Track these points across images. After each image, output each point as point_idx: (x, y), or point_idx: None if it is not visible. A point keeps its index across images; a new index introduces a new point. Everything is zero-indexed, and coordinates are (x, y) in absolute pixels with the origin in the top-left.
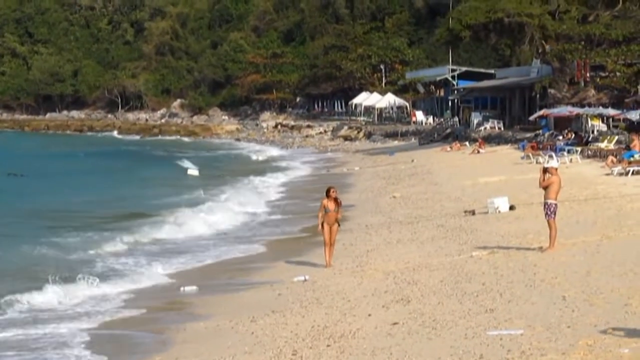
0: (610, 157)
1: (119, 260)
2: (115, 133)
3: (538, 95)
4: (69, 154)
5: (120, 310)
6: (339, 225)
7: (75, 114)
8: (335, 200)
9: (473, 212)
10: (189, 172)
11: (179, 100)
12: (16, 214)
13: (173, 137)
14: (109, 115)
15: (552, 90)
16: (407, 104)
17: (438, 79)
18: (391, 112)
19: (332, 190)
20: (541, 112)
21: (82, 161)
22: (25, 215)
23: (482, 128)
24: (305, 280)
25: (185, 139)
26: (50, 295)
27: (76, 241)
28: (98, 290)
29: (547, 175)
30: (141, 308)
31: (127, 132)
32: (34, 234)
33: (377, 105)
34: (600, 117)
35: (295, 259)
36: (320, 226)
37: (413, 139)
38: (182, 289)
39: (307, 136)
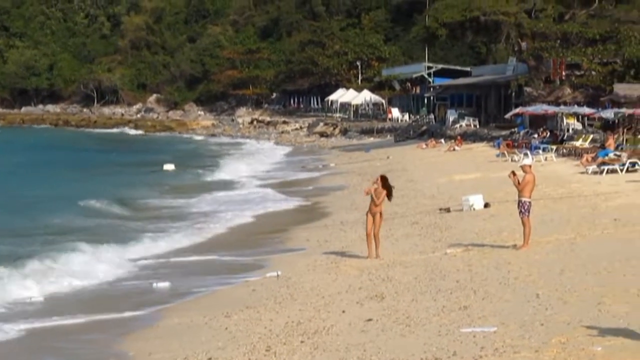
0: (586, 156)
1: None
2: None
3: (514, 93)
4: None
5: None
6: (381, 216)
7: (50, 108)
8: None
9: (448, 210)
10: (165, 167)
11: (155, 95)
12: None
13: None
14: (85, 110)
15: (527, 89)
16: (383, 101)
17: (414, 76)
18: (367, 108)
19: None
20: (517, 110)
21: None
22: None
23: (457, 125)
24: (278, 275)
25: None
26: None
27: None
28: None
29: (519, 175)
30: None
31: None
32: None
33: (353, 102)
34: (576, 115)
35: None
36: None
37: (389, 136)
38: (154, 284)
39: (282, 132)
